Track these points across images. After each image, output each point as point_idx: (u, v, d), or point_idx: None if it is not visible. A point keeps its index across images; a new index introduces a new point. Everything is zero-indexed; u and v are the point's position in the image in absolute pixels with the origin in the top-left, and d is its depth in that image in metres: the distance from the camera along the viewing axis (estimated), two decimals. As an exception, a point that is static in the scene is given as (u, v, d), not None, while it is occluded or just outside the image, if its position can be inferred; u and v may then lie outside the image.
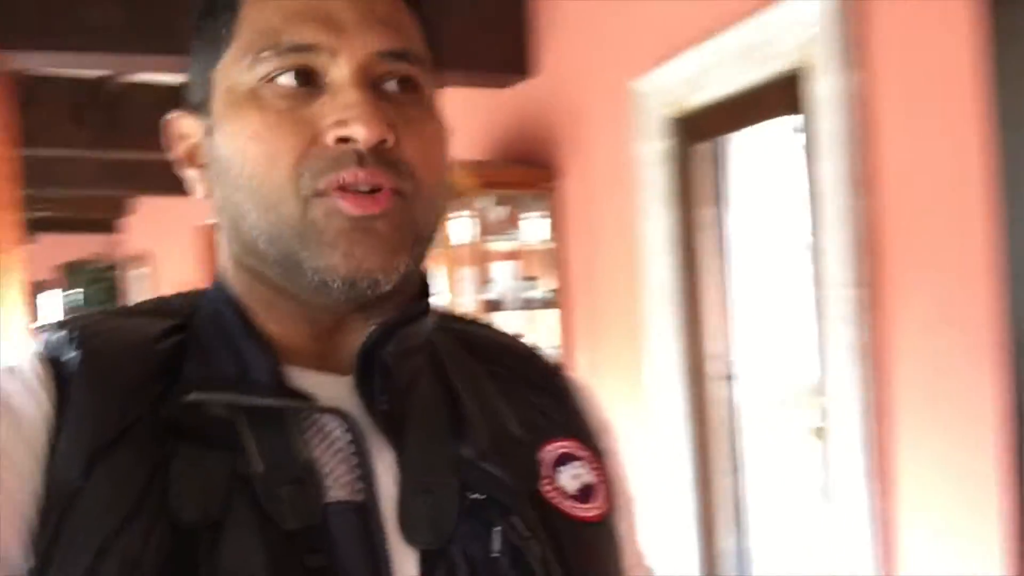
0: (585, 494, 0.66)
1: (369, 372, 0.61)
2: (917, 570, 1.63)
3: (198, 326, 0.63)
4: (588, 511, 0.65)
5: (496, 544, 0.59)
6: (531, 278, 3.02)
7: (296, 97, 0.58)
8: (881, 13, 1.64)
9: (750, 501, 2.28)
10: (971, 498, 1.51)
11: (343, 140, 0.57)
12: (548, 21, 2.93)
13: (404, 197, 0.59)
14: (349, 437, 0.59)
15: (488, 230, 2.95)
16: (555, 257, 2.92)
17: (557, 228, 2.91)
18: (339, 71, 0.58)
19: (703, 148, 2.33)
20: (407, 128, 0.59)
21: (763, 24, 1.91)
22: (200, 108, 0.62)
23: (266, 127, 0.58)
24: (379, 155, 0.57)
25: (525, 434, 0.66)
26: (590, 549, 0.65)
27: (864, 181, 1.67)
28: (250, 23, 0.59)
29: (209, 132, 0.61)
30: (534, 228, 2.95)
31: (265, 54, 0.58)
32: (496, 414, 0.67)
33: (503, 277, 2.97)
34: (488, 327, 0.77)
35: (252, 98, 0.58)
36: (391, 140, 0.58)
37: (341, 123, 0.57)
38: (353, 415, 0.59)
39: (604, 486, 0.67)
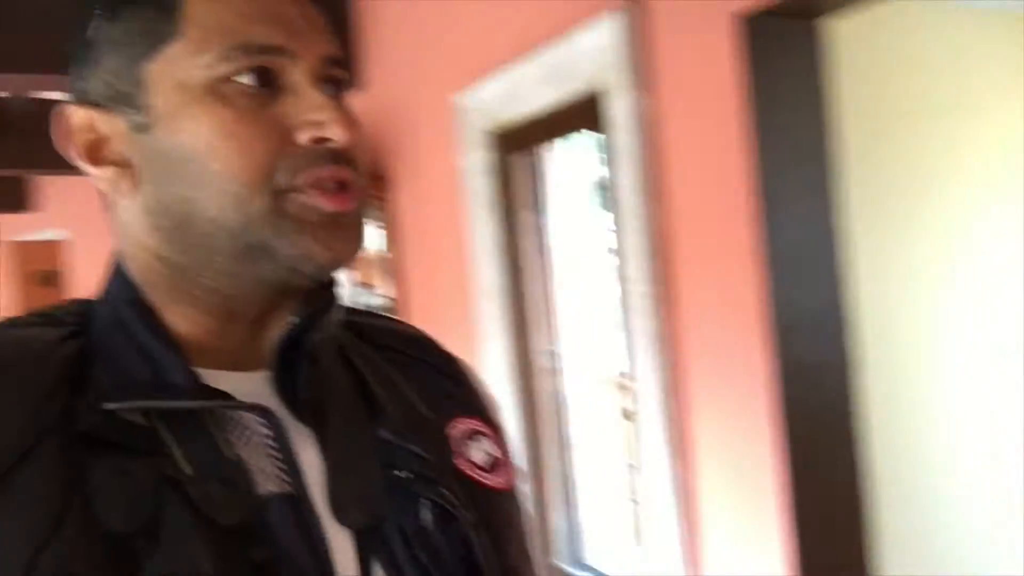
0: (493, 467, 0.70)
1: (288, 362, 0.62)
2: (715, 528, 1.88)
3: (99, 331, 0.61)
4: (498, 481, 0.70)
5: (426, 516, 0.63)
6: (369, 286, 3.13)
7: (258, 96, 0.59)
8: (663, 44, 1.87)
9: (578, 480, 2.50)
10: (751, 458, 1.76)
11: (319, 140, 0.59)
12: (375, 36, 3.04)
13: (361, 193, 0.63)
14: (269, 431, 0.60)
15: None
16: (392, 265, 3.05)
17: (392, 237, 3.03)
18: (298, 73, 0.60)
19: (521, 159, 2.52)
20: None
21: (566, 48, 2.10)
22: (119, 102, 0.60)
23: (238, 123, 0.58)
24: (348, 154, 0.61)
25: (432, 413, 0.70)
26: (505, 515, 0.70)
27: (654, 191, 1.89)
28: (200, 19, 0.58)
29: (142, 128, 0.60)
30: (370, 238, 3.06)
31: (232, 53, 0.58)
32: (402, 396, 0.70)
33: (342, 285, 3.05)
34: (378, 315, 0.79)
35: (214, 95, 0.58)
36: (359, 141, 0.62)
37: (317, 124, 0.59)
38: (272, 408, 0.60)
39: (507, 459, 0.73)
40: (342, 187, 0.61)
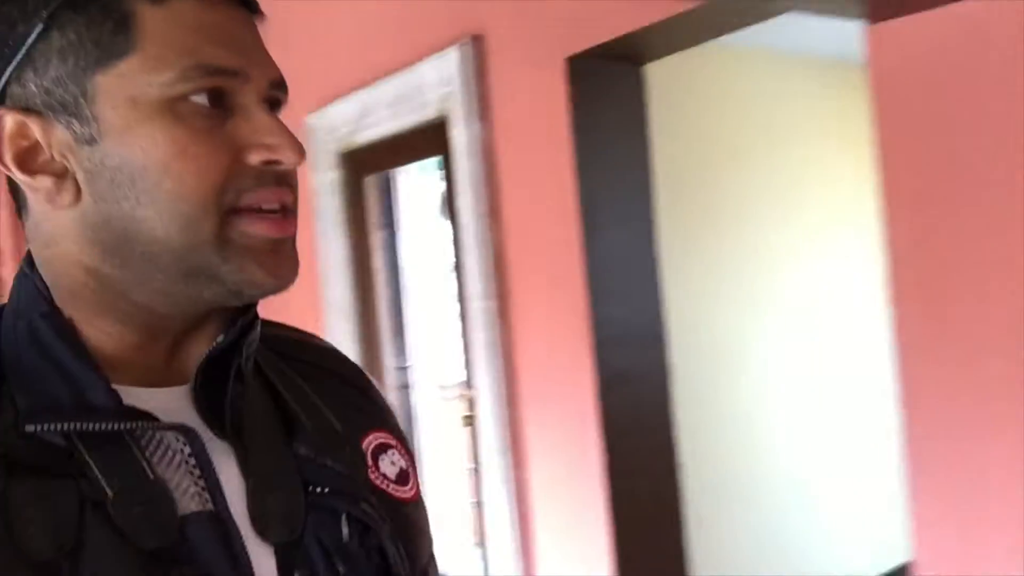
0: (402, 478, 0.72)
1: (208, 379, 0.62)
2: (546, 527, 2.03)
3: (9, 347, 0.59)
4: (407, 492, 0.71)
5: (345, 530, 0.64)
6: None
7: (211, 117, 0.58)
8: (500, 78, 2.02)
9: (429, 484, 2.61)
10: (578, 460, 1.92)
11: (269, 162, 0.59)
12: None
13: (295, 214, 0.63)
14: (190, 450, 0.60)
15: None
16: (243, 279, 3.05)
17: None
18: (248, 96, 0.60)
19: (372, 180, 2.62)
20: None
21: (415, 76, 2.23)
22: (60, 110, 0.58)
23: (192, 143, 0.57)
24: (290, 177, 0.62)
25: (345, 428, 0.70)
26: (415, 524, 0.72)
27: (492, 213, 2.05)
28: (157, 37, 0.57)
29: (87, 140, 0.57)
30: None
31: (190, 73, 0.57)
32: (316, 411, 0.70)
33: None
34: (288, 327, 0.78)
35: (168, 112, 0.57)
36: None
37: (269, 147, 0.59)
38: (192, 427, 0.60)
39: (413, 469, 0.74)
40: (283, 210, 0.61)
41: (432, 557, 0.76)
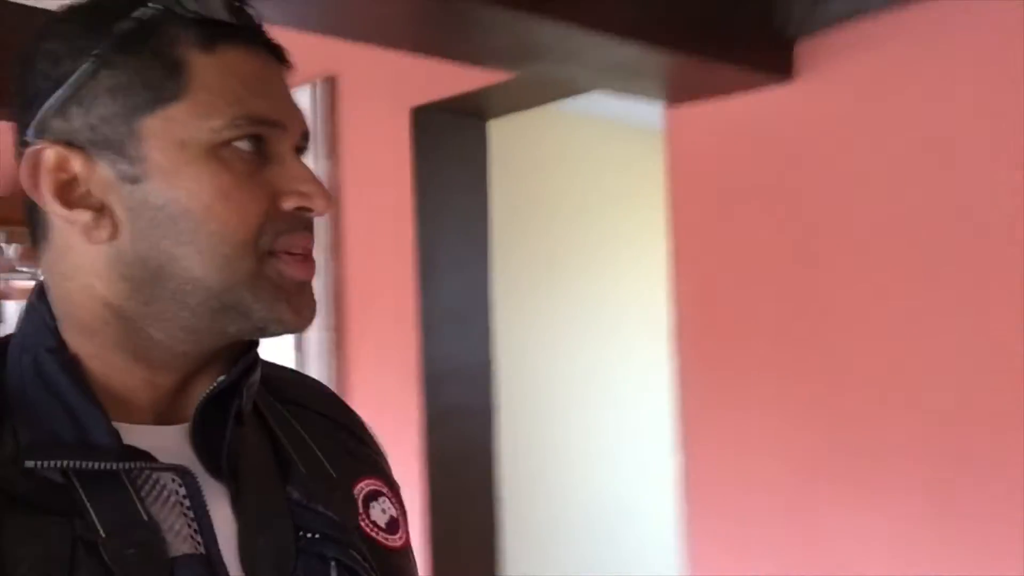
0: (392, 526, 0.72)
1: (206, 418, 0.63)
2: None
3: (15, 380, 0.60)
4: (396, 541, 0.71)
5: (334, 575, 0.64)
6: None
7: (251, 162, 0.60)
8: (350, 120, 2.11)
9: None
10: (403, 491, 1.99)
11: (301, 208, 0.61)
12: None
13: (314, 259, 0.66)
14: (184, 491, 0.60)
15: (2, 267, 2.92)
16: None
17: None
18: (284, 145, 0.62)
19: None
20: None
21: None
22: (105, 147, 0.59)
23: (235, 187, 0.59)
24: (311, 224, 0.64)
25: (338, 473, 0.70)
26: (403, 573, 0.72)
27: (334, 247, 2.11)
28: (207, 84, 0.59)
29: (131, 179, 0.58)
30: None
31: (240, 122, 0.59)
32: (311, 454, 0.70)
33: (15, 314, 2.94)
34: (283, 367, 0.78)
35: (214, 157, 0.59)
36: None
37: (304, 195, 0.61)
38: (189, 467, 0.60)
39: (403, 517, 0.74)
40: (307, 254, 0.63)
41: None
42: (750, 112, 1.72)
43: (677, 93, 1.69)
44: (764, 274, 1.70)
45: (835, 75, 1.68)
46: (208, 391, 0.62)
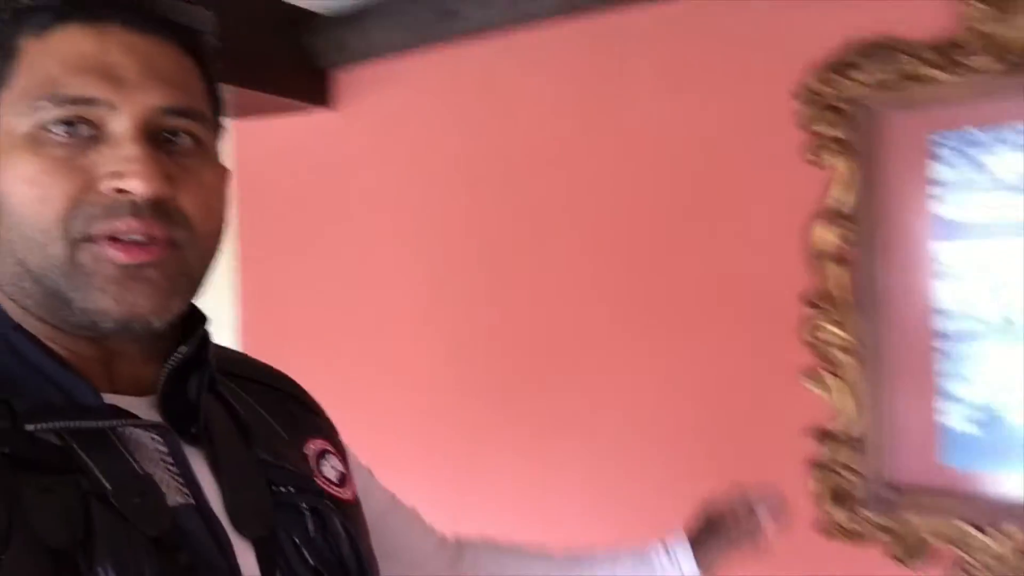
0: (342, 481, 0.76)
1: (174, 392, 0.65)
2: None
3: None
4: (348, 494, 0.76)
5: (310, 525, 0.68)
6: None
7: (73, 146, 0.58)
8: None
9: None
10: None
11: (120, 191, 0.58)
12: None
13: (178, 246, 0.61)
14: (166, 449, 0.62)
15: None
16: None
17: None
18: (119, 124, 0.59)
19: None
20: (185, 180, 0.62)
21: None
22: None
23: (42, 172, 0.58)
24: (156, 207, 0.59)
25: (289, 436, 0.74)
26: (359, 524, 0.75)
27: None
28: (30, 70, 0.59)
29: None
30: None
31: (42, 103, 0.58)
32: (264, 421, 0.73)
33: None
34: (224, 347, 0.78)
35: (30, 143, 0.58)
36: (167, 194, 0.60)
37: (118, 175, 0.58)
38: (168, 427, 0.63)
39: (350, 474, 0.78)
40: (150, 240, 0.60)
41: (375, 557, 0.78)
42: (300, 131, 2.02)
43: (234, 110, 1.91)
44: (320, 274, 2.00)
45: (365, 103, 2.01)
46: (172, 363, 0.65)
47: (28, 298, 0.61)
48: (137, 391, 0.65)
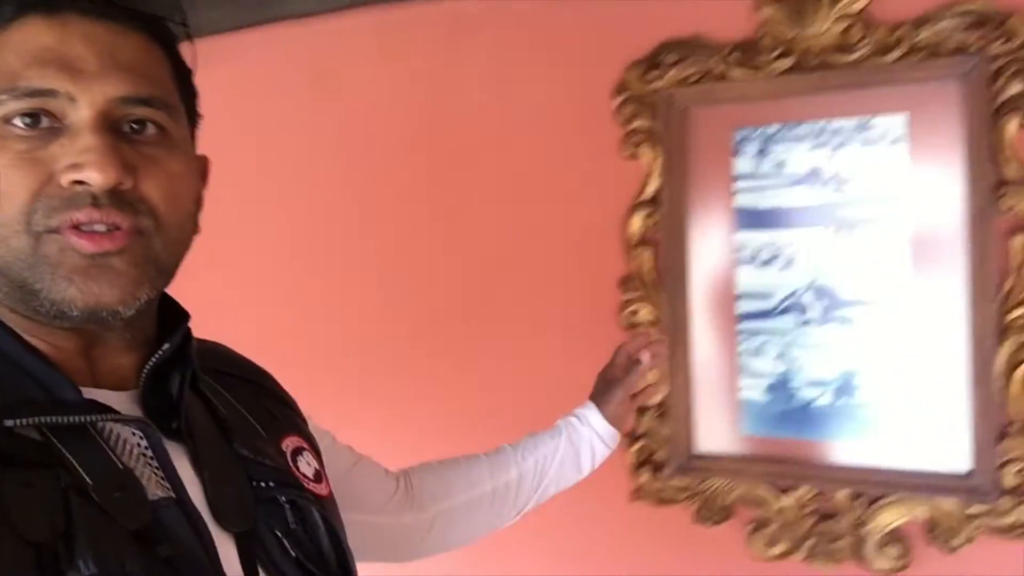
0: (318, 477, 0.77)
1: (155, 387, 0.66)
2: None
3: None
4: (323, 490, 0.76)
5: (291, 518, 0.69)
6: None
7: (33, 139, 0.59)
8: None
9: None
10: None
11: (78, 182, 0.59)
12: None
13: (144, 234, 0.62)
14: (146, 443, 0.62)
15: None
16: None
17: None
18: (78, 115, 0.59)
19: None
20: (149, 168, 0.62)
21: None
22: None
23: (4, 166, 0.58)
24: (116, 196, 0.59)
25: (267, 432, 0.75)
26: (336, 517, 0.76)
27: None
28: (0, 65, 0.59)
29: None
30: None
31: (3, 97, 0.58)
32: (242, 417, 0.74)
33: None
34: (203, 340, 0.78)
35: None
36: (127, 184, 0.60)
37: (76, 166, 0.58)
38: (149, 422, 0.63)
39: (323, 470, 0.79)
40: (114, 228, 0.60)
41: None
42: None
43: None
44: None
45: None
46: (155, 359, 0.65)
47: (0, 290, 0.61)
48: (119, 385, 0.65)
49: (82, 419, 0.59)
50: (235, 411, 0.74)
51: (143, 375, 0.65)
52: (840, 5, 1.44)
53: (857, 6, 1.43)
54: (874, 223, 1.45)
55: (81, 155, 0.59)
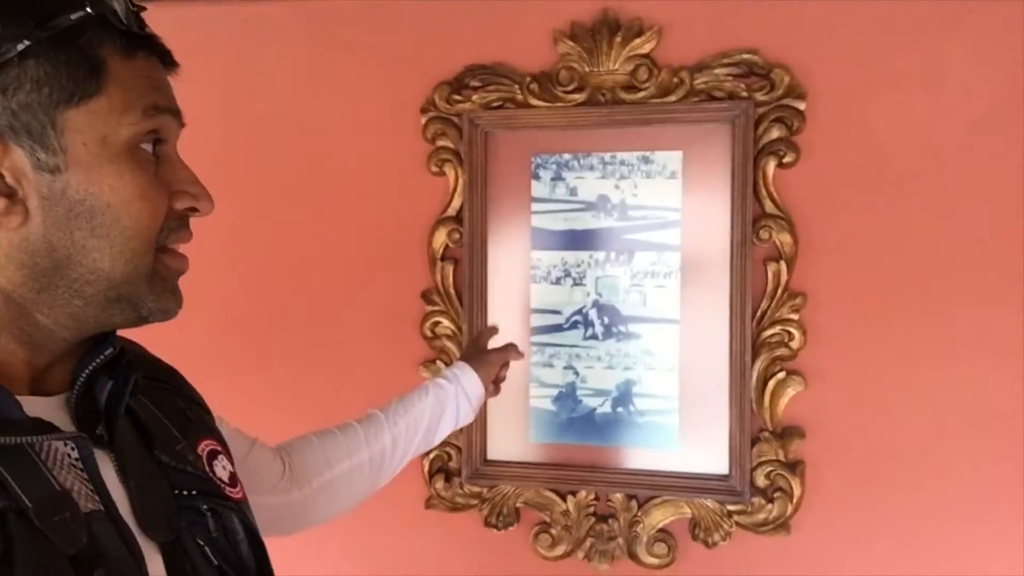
0: (232, 480, 0.77)
1: (84, 391, 0.67)
2: None
3: None
4: (238, 493, 0.77)
5: (212, 526, 0.70)
6: None
7: (154, 163, 0.65)
8: None
9: None
10: None
11: (192, 209, 0.67)
12: None
13: None
14: (77, 455, 0.63)
15: None
16: None
17: None
18: (172, 146, 0.67)
19: None
20: None
21: None
22: (24, 135, 0.59)
23: (149, 187, 0.63)
24: None
25: (184, 436, 0.75)
26: (252, 520, 0.76)
27: None
28: (121, 83, 0.62)
29: (50, 169, 0.60)
30: None
31: (150, 111, 0.63)
32: (159, 421, 0.74)
33: None
34: (121, 338, 0.78)
35: (131, 156, 0.62)
36: None
37: (191, 196, 0.67)
38: (83, 435, 0.63)
39: (236, 471, 0.80)
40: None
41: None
42: None
43: None
44: None
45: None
46: (93, 364, 0.67)
47: (79, 299, 0.64)
48: (52, 389, 0.67)
49: (24, 440, 0.60)
50: (152, 416, 0.75)
51: (80, 380, 0.67)
52: (631, 46, 1.58)
53: (646, 48, 1.57)
54: (652, 248, 1.59)
55: (189, 185, 0.67)
